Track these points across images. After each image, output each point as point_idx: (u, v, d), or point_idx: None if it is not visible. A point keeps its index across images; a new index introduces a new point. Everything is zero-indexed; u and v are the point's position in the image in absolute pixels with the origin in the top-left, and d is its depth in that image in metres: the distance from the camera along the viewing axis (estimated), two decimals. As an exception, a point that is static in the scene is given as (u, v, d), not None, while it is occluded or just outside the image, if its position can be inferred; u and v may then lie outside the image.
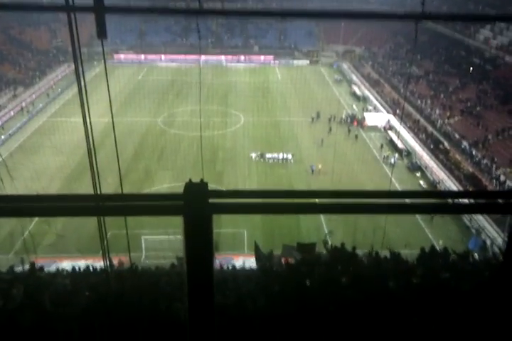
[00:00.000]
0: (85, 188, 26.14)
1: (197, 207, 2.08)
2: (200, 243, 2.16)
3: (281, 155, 42.07)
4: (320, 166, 39.14)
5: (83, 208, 2.12)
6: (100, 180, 6.36)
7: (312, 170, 39.15)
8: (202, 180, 2.14)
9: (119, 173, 6.45)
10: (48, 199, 2.11)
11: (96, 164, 4.93)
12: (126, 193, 2.23)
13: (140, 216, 2.12)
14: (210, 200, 2.11)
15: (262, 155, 42.09)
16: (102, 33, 3.74)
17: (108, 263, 6.48)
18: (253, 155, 42.32)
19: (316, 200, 2.31)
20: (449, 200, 2.83)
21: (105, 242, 5.26)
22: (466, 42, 60.50)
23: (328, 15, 5.19)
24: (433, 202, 2.46)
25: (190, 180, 2.15)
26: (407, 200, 2.37)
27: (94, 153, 4.95)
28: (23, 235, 27.08)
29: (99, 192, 4.96)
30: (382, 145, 46.58)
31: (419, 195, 2.56)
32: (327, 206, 2.25)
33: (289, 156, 41.92)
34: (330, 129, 49.30)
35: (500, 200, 2.51)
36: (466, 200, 2.81)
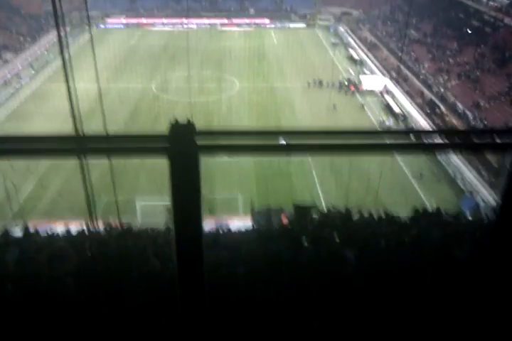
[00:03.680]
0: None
1: (183, 148, 2.01)
2: (187, 186, 2.09)
3: None
4: None
5: (63, 149, 2.04)
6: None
7: None
8: (189, 121, 2.06)
9: (103, 115, 6.35)
10: (25, 140, 2.03)
11: (77, 102, 4.81)
12: (108, 134, 2.16)
13: (123, 157, 2.06)
14: (198, 142, 2.04)
15: None
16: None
17: (94, 222, 6.47)
18: None
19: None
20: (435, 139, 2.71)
21: (90, 197, 5.21)
22: (465, 3, 59.16)
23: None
24: (417, 142, 2.39)
25: (176, 120, 2.07)
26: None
27: (74, 89, 4.81)
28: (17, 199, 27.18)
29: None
30: (380, 110, 46.28)
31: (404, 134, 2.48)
32: (318, 146, 2.18)
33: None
34: (326, 94, 48.83)
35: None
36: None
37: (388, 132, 2.33)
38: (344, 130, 2.12)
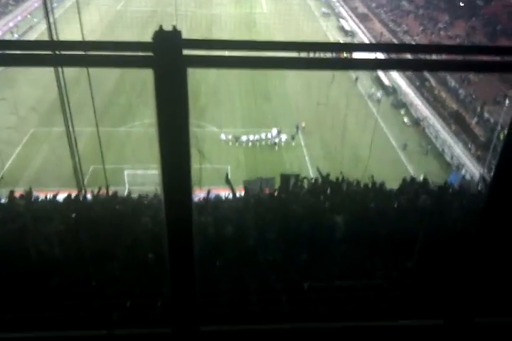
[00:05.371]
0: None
1: (170, 59, 1.84)
2: (174, 101, 1.91)
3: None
4: (303, 124, 36.87)
5: (37, 56, 1.85)
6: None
7: (297, 128, 36.59)
8: (175, 28, 1.87)
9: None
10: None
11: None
12: (87, 41, 1.96)
13: (102, 67, 1.88)
14: (184, 52, 1.87)
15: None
16: None
17: (81, 181, 6.32)
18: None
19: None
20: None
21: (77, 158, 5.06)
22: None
23: None
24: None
25: (160, 27, 1.88)
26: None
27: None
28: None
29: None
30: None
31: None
32: (310, 61, 2.05)
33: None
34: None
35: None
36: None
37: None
38: (340, 43, 1.99)
